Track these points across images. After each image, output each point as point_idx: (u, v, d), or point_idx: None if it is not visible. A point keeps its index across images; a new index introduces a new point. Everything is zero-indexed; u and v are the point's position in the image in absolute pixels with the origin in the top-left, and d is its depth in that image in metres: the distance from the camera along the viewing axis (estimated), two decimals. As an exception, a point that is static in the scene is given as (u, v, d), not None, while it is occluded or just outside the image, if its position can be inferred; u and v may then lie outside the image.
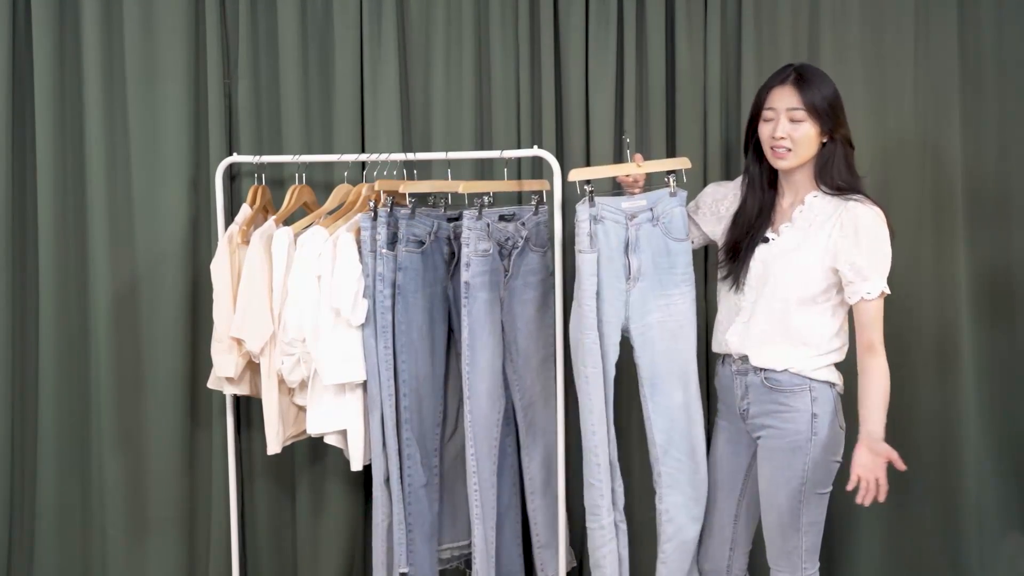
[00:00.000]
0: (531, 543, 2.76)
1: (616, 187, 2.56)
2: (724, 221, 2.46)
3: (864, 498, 2.20)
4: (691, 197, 2.58)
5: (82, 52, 2.94)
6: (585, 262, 2.38)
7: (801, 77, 2.27)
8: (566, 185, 2.77)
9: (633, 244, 2.41)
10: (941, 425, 2.84)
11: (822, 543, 2.84)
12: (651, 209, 2.43)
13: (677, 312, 2.44)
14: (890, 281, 2.31)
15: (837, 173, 2.27)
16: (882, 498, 2.21)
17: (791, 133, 2.26)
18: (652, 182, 2.57)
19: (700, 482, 2.47)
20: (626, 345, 2.46)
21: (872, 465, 2.20)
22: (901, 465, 2.20)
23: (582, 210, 2.38)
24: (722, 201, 2.49)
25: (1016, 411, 2.86)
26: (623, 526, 2.49)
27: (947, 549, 2.85)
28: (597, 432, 2.41)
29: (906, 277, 2.78)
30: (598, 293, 2.39)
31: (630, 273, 2.41)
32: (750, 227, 2.36)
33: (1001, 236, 2.83)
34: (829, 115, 2.25)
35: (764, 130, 2.32)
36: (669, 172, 2.47)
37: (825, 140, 2.28)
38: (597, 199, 2.39)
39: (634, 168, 2.48)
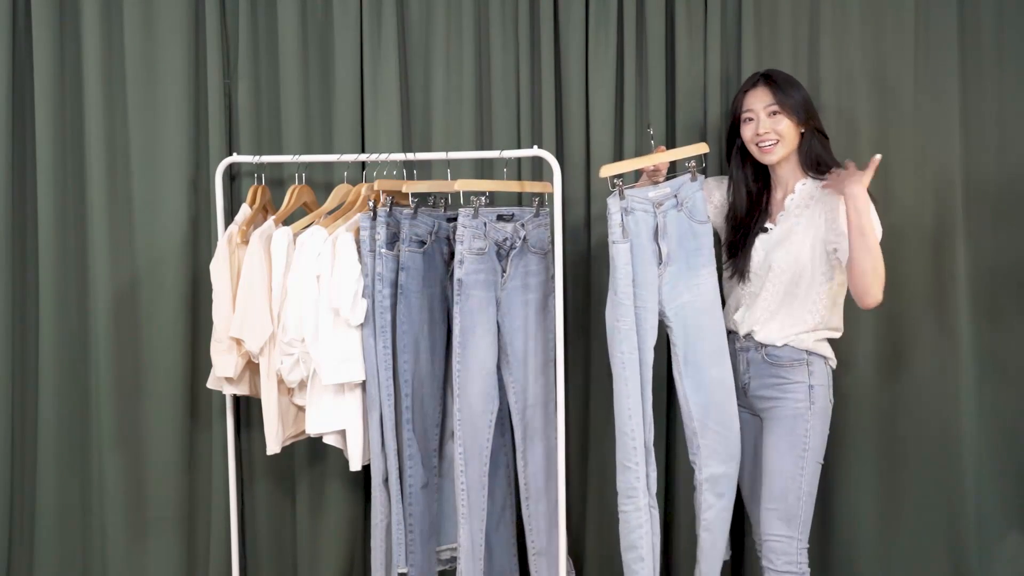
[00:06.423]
0: (526, 548, 2.75)
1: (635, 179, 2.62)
2: (719, 212, 2.63)
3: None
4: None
5: (82, 52, 2.94)
6: (619, 252, 2.46)
7: (770, 79, 2.50)
8: (566, 186, 2.77)
9: (662, 230, 2.49)
10: (941, 425, 2.83)
11: (819, 545, 2.86)
12: (675, 195, 2.51)
13: (705, 291, 2.51)
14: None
15: (819, 156, 2.49)
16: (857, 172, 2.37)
17: (774, 127, 2.47)
18: (674, 171, 2.62)
19: (736, 453, 2.53)
20: (660, 327, 2.53)
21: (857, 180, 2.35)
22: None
23: (613, 203, 2.46)
24: (712, 195, 2.63)
25: (1016, 411, 2.86)
26: (656, 512, 2.51)
27: (947, 549, 2.85)
28: (634, 416, 2.46)
29: (906, 277, 2.78)
30: (634, 280, 2.46)
31: (661, 259, 2.49)
32: (744, 224, 2.54)
33: (1001, 236, 2.82)
34: (803, 109, 2.47)
35: (747, 131, 2.51)
36: (690, 158, 2.54)
37: (803, 131, 2.49)
38: (627, 191, 2.47)
39: (658, 158, 2.54)
